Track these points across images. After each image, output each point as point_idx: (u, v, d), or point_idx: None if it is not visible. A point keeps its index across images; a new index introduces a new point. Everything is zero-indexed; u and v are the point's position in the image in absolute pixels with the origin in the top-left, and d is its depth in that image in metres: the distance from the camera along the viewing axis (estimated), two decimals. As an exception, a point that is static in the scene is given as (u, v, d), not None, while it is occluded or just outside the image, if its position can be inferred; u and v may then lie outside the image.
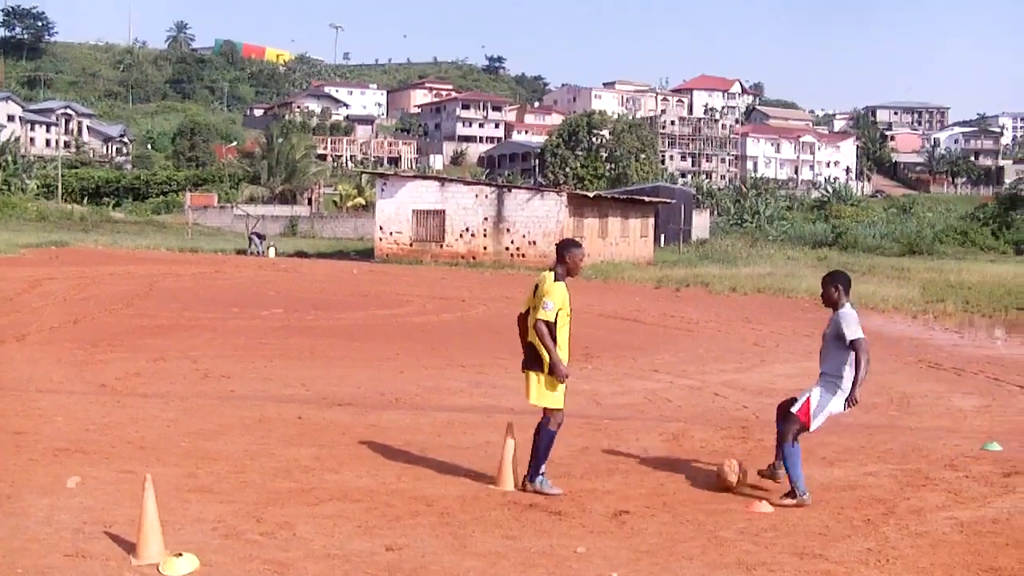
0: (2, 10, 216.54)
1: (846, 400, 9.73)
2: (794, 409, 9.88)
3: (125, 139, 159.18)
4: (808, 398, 9.84)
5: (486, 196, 53.52)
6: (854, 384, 9.69)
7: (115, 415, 12.85)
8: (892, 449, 12.02)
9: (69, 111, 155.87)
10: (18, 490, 9.07)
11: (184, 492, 9.19)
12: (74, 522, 8.13)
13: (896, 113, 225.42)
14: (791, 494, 9.61)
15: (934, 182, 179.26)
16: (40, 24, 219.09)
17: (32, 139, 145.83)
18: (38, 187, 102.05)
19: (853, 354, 9.69)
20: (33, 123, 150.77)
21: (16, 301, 27.21)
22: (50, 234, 61.86)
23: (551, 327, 9.36)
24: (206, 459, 10.59)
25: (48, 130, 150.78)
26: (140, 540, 7.33)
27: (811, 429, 9.88)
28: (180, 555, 7.19)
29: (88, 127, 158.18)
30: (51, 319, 23.61)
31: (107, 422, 12.39)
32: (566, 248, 9.69)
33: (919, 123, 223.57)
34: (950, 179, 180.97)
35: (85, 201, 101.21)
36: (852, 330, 9.70)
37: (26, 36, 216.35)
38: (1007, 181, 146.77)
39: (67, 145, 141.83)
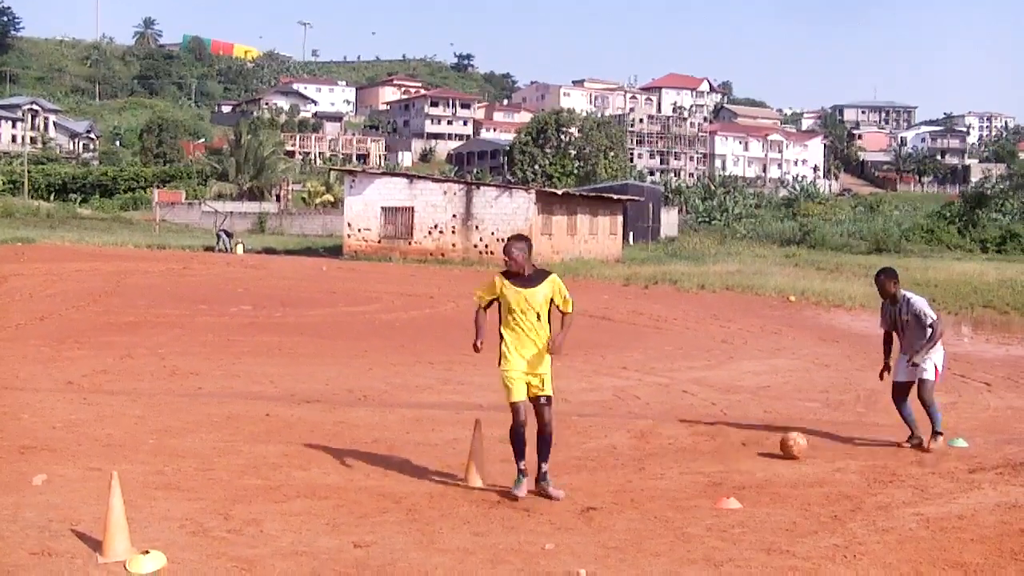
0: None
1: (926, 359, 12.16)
2: (929, 377, 12.17)
3: (92, 135, 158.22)
4: (936, 368, 12.22)
5: (455, 193, 53.48)
6: (919, 351, 12.07)
7: (82, 412, 12.79)
8: (859, 446, 12.08)
9: (35, 107, 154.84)
10: (-17, 487, 9.02)
11: (151, 489, 9.15)
12: (40, 520, 8.09)
13: (863, 112, 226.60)
14: (936, 435, 12.09)
15: (901, 181, 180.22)
16: (6, 19, 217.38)
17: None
18: (3, 183, 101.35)
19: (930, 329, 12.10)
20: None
21: (-19, 298, 27.06)
22: (16, 230, 61.41)
23: None
24: (173, 456, 10.56)
25: (14, 126, 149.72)
26: (107, 538, 7.30)
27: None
28: (147, 552, 7.16)
29: (55, 123, 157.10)
30: (17, 316, 23.47)
31: (74, 419, 12.33)
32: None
33: (886, 122, 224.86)
34: (917, 178, 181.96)
35: (52, 197, 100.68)
36: (930, 313, 12.14)
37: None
38: (973, 180, 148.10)
39: (33, 141, 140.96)
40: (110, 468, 8.60)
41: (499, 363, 9.53)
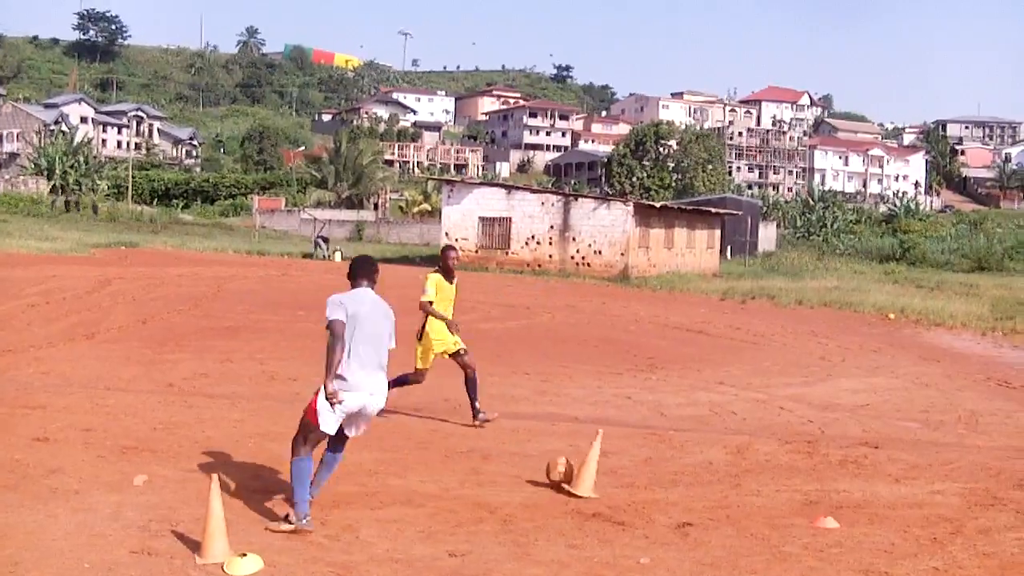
0: (77, 14, 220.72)
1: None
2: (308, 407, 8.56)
3: (195, 142, 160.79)
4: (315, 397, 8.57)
5: (552, 204, 53.42)
6: (327, 372, 8.44)
7: (182, 415, 12.97)
8: (960, 468, 11.87)
9: (140, 113, 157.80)
10: (86, 486, 9.20)
11: (249, 493, 9.27)
12: (140, 519, 8.23)
13: (967, 127, 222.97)
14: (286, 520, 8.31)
15: (1005, 198, 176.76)
16: (113, 28, 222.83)
17: (104, 140, 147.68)
18: (109, 188, 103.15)
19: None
20: (105, 125, 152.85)
21: (86, 300, 27.52)
22: (120, 235, 62.50)
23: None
24: (272, 460, 10.67)
25: (119, 132, 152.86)
26: (205, 539, 7.42)
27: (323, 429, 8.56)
28: (245, 555, 7.26)
29: (159, 129, 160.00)
30: (120, 318, 23.85)
31: (174, 421, 12.51)
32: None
33: (990, 138, 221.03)
34: (1022, 195, 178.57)
35: (155, 203, 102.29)
36: (328, 310, 8.53)
37: (100, 39, 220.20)
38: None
39: (138, 147, 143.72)
40: (209, 471, 8.72)
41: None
